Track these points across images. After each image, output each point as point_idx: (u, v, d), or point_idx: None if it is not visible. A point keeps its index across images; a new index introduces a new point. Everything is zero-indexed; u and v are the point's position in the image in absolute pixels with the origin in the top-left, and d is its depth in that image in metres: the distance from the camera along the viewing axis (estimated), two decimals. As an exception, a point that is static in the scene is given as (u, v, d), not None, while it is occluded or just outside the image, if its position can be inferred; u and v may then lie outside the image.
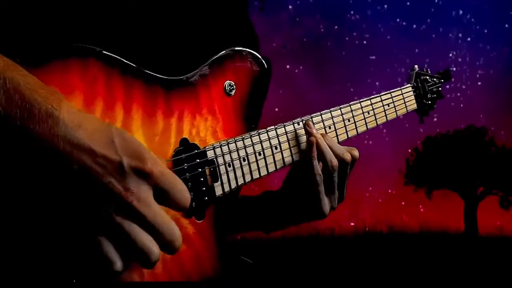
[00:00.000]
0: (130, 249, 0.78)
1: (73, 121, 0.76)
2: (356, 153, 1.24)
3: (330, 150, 1.19)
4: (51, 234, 0.80)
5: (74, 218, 0.78)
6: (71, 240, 0.79)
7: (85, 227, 0.78)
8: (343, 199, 1.26)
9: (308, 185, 1.19)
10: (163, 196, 0.81)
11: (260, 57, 1.16)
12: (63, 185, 0.76)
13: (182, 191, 0.83)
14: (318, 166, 1.17)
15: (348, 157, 1.21)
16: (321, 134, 1.21)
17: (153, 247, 0.79)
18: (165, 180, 0.81)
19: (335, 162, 1.18)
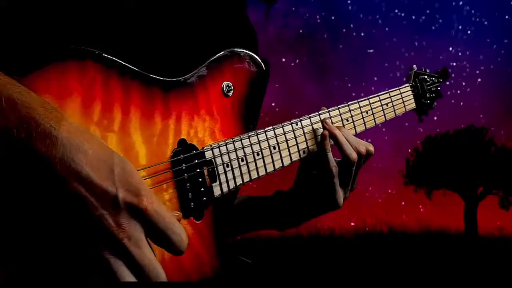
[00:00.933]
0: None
1: (73, 143, 0.73)
2: (371, 148, 1.27)
3: (348, 144, 1.22)
4: (40, 245, 0.78)
5: (62, 240, 0.76)
6: (57, 257, 0.78)
7: (71, 252, 0.76)
8: (353, 189, 1.30)
9: (323, 178, 1.22)
10: (157, 236, 0.78)
11: (258, 58, 1.16)
12: (54, 206, 0.74)
13: (179, 234, 0.79)
14: (333, 159, 1.21)
15: (363, 150, 1.25)
16: (337, 126, 1.24)
17: None
18: (161, 219, 0.77)
19: (354, 155, 1.22)
